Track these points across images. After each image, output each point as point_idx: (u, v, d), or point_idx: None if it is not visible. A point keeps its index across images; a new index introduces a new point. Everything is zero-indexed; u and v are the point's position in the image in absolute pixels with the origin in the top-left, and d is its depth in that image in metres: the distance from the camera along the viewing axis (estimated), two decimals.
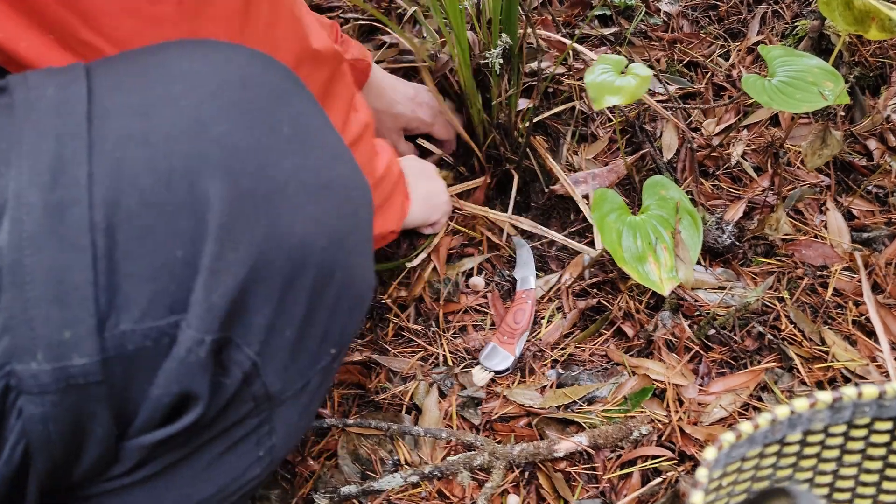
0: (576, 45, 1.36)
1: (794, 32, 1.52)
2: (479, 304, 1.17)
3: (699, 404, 1.01)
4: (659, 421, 0.99)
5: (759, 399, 1.02)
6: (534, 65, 1.36)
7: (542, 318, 1.14)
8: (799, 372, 1.04)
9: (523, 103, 1.33)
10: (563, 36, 1.47)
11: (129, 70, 0.51)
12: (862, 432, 0.60)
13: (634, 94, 1.01)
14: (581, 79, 1.43)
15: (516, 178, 1.27)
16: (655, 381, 1.04)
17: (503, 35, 1.12)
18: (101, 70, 0.50)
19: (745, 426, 0.55)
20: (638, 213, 1.05)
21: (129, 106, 0.48)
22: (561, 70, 1.43)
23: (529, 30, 1.21)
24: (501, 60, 1.14)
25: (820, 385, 1.03)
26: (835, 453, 0.61)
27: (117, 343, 0.47)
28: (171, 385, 0.49)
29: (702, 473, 0.53)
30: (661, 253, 0.99)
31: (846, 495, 0.65)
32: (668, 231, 1.01)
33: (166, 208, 0.46)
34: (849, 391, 0.57)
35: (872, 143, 1.34)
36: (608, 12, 1.61)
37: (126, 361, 0.47)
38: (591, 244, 1.23)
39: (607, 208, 1.04)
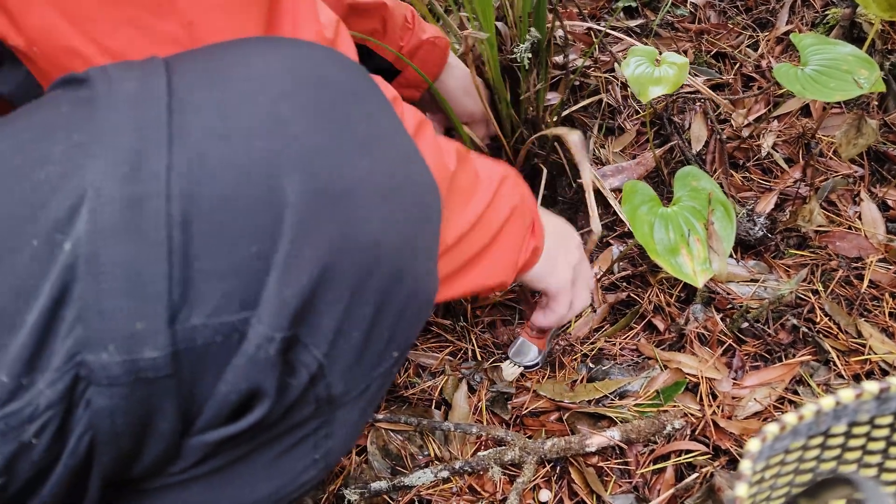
0: (610, 31, 1.35)
1: (824, 21, 1.49)
2: (508, 300, 1.16)
3: (733, 398, 0.99)
4: (692, 415, 0.98)
5: (795, 393, 1.00)
6: (560, 58, 1.34)
7: None
8: (835, 365, 1.02)
9: (551, 97, 1.31)
10: (588, 28, 1.45)
11: (207, 66, 0.51)
12: None
13: (676, 82, 1.00)
14: (608, 71, 1.41)
15: (545, 172, 1.25)
16: (688, 374, 1.02)
17: (532, 29, 1.11)
18: (179, 65, 0.50)
19: (790, 417, 0.54)
20: (669, 205, 1.04)
21: (208, 101, 0.48)
22: (587, 63, 1.41)
23: (557, 23, 1.20)
24: (530, 55, 1.12)
25: (857, 378, 1.01)
26: (881, 445, 0.60)
27: (188, 337, 0.46)
28: (240, 382, 0.48)
29: (745, 465, 0.52)
30: (694, 245, 0.97)
31: (892, 489, 0.63)
32: (700, 222, 1.00)
33: (243, 203, 0.46)
34: None
35: None
36: (634, 3, 1.59)
37: (195, 356, 0.47)
38: (621, 238, 1.22)
39: (638, 200, 1.02)
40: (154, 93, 0.47)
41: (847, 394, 0.55)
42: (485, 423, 1.00)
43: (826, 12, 1.50)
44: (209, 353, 0.47)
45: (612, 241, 1.22)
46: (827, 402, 0.55)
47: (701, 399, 0.99)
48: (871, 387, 0.56)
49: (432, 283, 0.59)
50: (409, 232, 0.54)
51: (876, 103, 1.36)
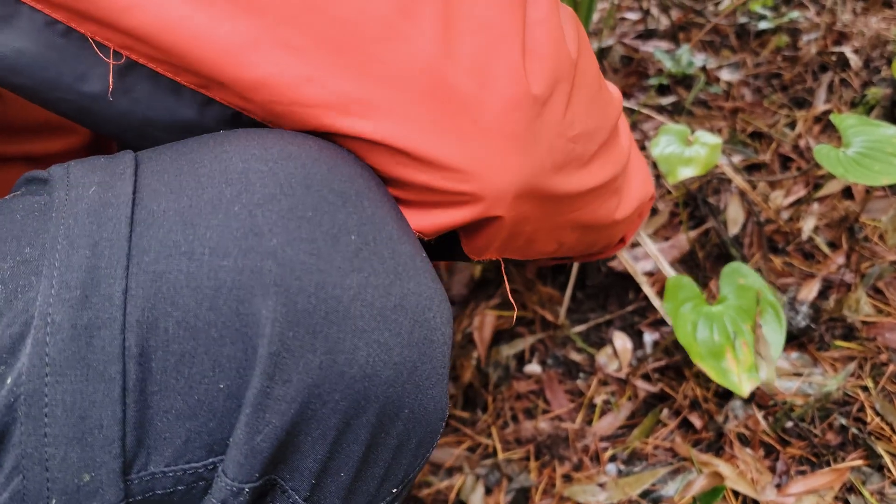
0: (641, 109, 1.31)
1: (864, 101, 1.44)
2: (533, 390, 1.09)
3: None
4: None
5: (846, 502, 0.91)
6: None
7: (596, 405, 1.06)
8: (889, 471, 0.93)
9: None
10: None
11: (182, 166, 0.45)
12: None
13: (708, 163, 0.94)
14: (641, 149, 1.36)
15: None
16: (727, 479, 0.94)
17: None
18: (151, 164, 0.45)
19: None
20: (714, 303, 0.96)
21: (177, 210, 0.42)
22: None
23: None
24: None
25: None
26: None
27: (145, 487, 0.41)
28: None
29: None
30: (741, 348, 0.90)
31: None
32: (747, 325, 0.92)
33: (210, 332, 0.40)
34: None
35: None
36: (665, 81, 1.56)
37: None
38: (654, 325, 1.15)
39: (682, 297, 0.95)
40: (116, 201, 0.42)
41: None
42: None
43: (865, 92, 1.45)
44: (171, 503, 0.42)
45: (643, 329, 1.15)
46: None
47: None
48: None
49: (438, 412, 0.51)
50: (409, 358, 0.46)
51: None
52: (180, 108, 0.48)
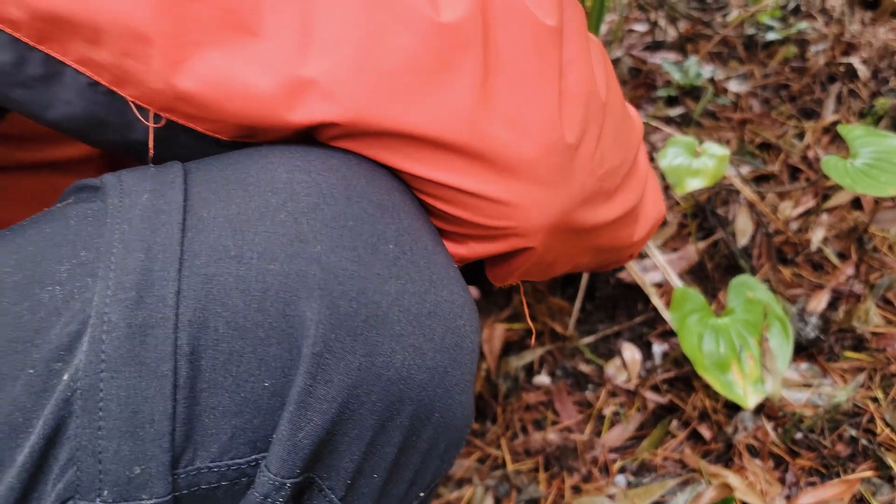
0: (650, 122, 1.32)
1: (872, 112, 1.44)
2: (542, 402, 1.10)
3: None
4: None
5: None
6: None
7: (605, 416, 1.06)
8: None
9: None
10: None
11: (229, 175, 0.47)
12: None
13: (715, 174, 0.95)
14: (650, 160, 1.37)
15: None
16: (736, 490, 0.94)
17: None
18: (199, 174, 0.47)
19: None
20: (721, 315, 0.97)
21: (226, 217, 0.44)
22: None
23: None
24: None
25: None
26: None
27: (191, 482, 0.42)
28: None
29: None
30: (747, 361, 0.90)
31: None
32: (754, 338, 0.92)
33: (257, 333, 0.42)
34: None
35: None
36: (673, 93, 1.56)
37: (198, 500, 0.43)
38: (663, 336, 1.15)
39: (688, 308, 0.95)
40: (168, 208, 0.43)
41: None
42: None
43: (874, 102, 1.45)
44: (215, 497, 0.43)
45: (652, 340, 1.16)
46: None
47: None
48: None
49: (465, 417, 0.52)
50: (441, 363, 0.48)
51: None
52: (224, 150, 0.50)
